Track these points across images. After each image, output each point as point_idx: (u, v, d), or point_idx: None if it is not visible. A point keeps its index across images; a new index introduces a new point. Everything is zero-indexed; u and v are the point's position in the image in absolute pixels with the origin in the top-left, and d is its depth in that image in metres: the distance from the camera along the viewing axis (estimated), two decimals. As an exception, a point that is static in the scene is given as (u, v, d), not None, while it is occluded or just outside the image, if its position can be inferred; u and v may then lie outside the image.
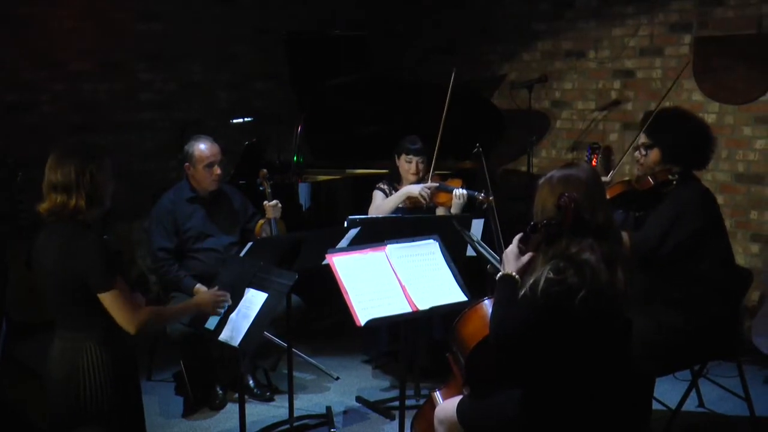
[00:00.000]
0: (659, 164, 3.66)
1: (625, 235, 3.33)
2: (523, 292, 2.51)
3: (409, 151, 4.80)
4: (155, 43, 6.14)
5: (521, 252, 2.61)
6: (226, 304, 3.21)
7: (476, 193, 4.59)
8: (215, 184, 4.50)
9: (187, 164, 4.48)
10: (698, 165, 3.72)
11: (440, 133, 4.75)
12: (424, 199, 4.68)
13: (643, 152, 3.71)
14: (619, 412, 2.67)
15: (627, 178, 3.78)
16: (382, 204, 4.78)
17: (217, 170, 4.46)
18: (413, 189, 4.71)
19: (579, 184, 2.56)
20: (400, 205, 4.77)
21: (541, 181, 2.67)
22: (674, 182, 3.63)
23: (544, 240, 2.55)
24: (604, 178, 3.79)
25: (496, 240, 3.55)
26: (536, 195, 2.65)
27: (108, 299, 2.73)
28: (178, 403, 4.46)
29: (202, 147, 4.44)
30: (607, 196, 3.48)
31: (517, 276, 2.58)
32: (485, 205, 4.51)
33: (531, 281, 2.49)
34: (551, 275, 2.44)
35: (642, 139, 3.75)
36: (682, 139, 3.65)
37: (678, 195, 3.61)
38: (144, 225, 5.34)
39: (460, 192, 4.65)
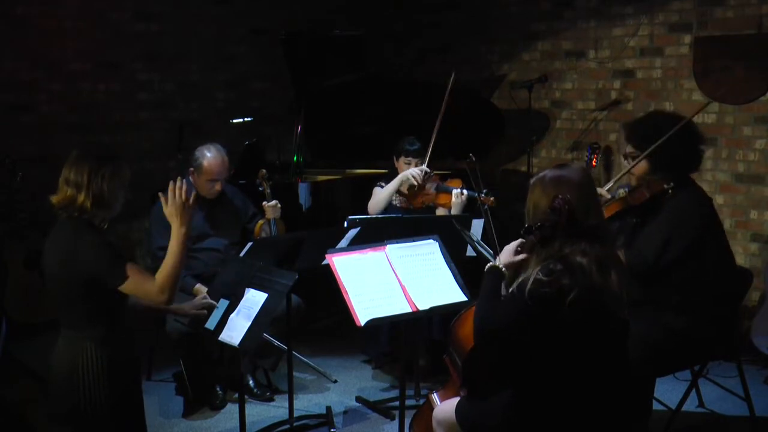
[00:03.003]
0: (648, 173, 3.60)
1: (620, 254, 3.22)
2: (510, 289, 2.52)
3: (408, 153, 4.79)
4: (153, 43, 6.13)
5: (517, 252, 2.64)
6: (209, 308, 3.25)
7: (477, 194, 4.59)
8: (212, 196, 4.50)
9: (191, 169, 4.46)
10: (691, 168, 3.65)
11: (434, 134, 4.76)
12: (416, 180, 4.67)
13: (632, 162, 3.65)
14: (614, 413, 2.66)
15: (622, 195, 3.64)
16: (379, 193, 4.78)
17: (218, 186, 4.45)
18: (407, 172, 4.72)
19: (571, 185, 2.56)
20: (396, 203, 4.77)
21: (533, 181, 2.67)
22: (670, 191, 3.53)
23: (538, 241, 2.55)
24: (600, 190, 3.65)
25: (492, 243, 3.55)
26: (528, 196, 2.66)
27: (128, 288, 2.73)
28: (178, 403, 4.45)
29: (210, 162, 4.39)
30: (606, 215, 3.42)
31: (504, 269, 2.61)
32: (485, 206, 4.51)
33: (519, 280, 2.50)
34: (541, 276, 2.44)
35: (629, 149, 3.68)
36: (669, 147, 3.54)
37: (675, 204, 3.52)
38: (144, 225, 5.34)
39: (458, 192, 4.65)
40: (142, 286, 2.75)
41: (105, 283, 2.72)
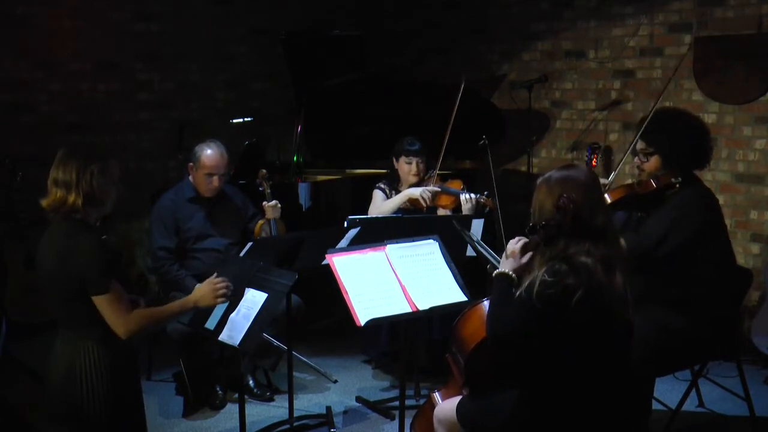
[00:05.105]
0: (660, 169, 3.62)
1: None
2: (518, 293, 2.51)
3: (408, 153, 4.78)
4: (153, 43, 6.14)
5: (522, 253, 2.62)
6: (228, 291, 3.00)
7: (478, 196, 4.58)
8: (211, 193, 4.49)
9: (190, 164, 4.46)
10: (699, 165, 3.68)
11: (447, 136, 4.74)
12: (425, 201, 4.67)
13: (643, 159, 3.66)
14: (617, 413, 2.66)
15: (629, 182, 3.74)
16: (382, 205, 4.77)
17: (216, 182, 4.44)
18: (414, 191, 4.70)
19: (578, 185, 2.56)
20: (401, 206, 4.76)
21: (539, 181, 2.67)
22: (677, 185, 3.58)
23: (542, 241, 2.54)
24: (603, 181, 3.73)
25: (499, 242, 3.55)
26: (534, 195, 2.66)
27: (102, 302, 2.71)
28: (178, 403, 4.45)
29: (209, 155, 4.40)
30: (610, 200, 3.49)
31: (513, 274, 2.58)
32: (487, 209, 4.51)
33: (527, 283, 2.49)
34: (546, 277, 2.44)
35: (640, 145, 3.70)
36: (681, 143, 3.59)
37: (680, 198, 3.56)
38: (144, 225, 5.34)
39: (468, 196, 4.62)
40: (114, 309, 2.72)
41: (85, 287, 2.71)
